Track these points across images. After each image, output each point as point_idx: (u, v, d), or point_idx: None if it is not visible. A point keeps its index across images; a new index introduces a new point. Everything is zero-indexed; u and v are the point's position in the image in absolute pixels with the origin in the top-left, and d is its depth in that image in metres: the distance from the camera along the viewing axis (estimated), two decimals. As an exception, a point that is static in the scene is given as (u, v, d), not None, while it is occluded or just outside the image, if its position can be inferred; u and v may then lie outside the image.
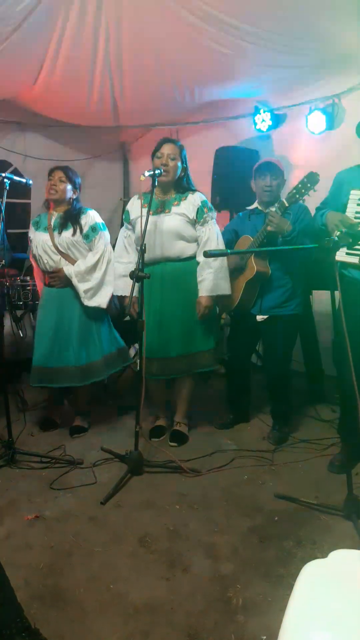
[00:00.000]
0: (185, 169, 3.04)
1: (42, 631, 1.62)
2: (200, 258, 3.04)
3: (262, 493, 2.63)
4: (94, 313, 3.22)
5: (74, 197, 3.18)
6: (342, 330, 2.24)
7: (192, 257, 3.07)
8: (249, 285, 3.08)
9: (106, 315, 3.33)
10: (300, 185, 2.73)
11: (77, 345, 3.17)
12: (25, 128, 4.82)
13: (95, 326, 3.26)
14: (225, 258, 3.06)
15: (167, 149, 2.96)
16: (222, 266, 3.04)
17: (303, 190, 2.73)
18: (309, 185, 2.71)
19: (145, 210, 2.75)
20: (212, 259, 2.96)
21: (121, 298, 3.18)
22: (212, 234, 3.02)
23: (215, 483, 2.72)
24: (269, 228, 2.89)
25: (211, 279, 3.00)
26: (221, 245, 3.06)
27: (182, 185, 3.05)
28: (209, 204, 3.08)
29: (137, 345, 3.35)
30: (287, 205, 2.83)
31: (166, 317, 3.05)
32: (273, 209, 2.90)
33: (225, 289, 3.05)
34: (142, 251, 2.67)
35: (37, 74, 3.88)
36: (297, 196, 2.76)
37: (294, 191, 2.76)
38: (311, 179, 2.71)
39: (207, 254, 2.60)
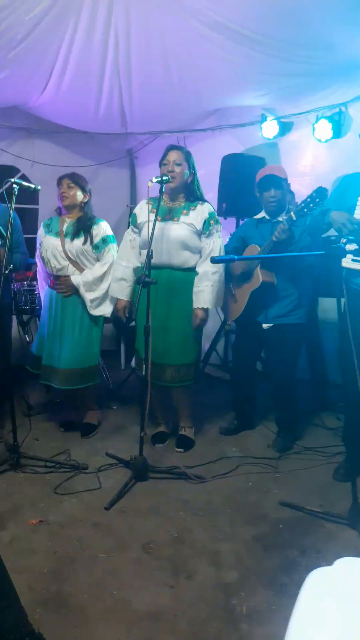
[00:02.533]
0: (193, 175, 3.04)
1: (46, 636, 1.63)
2: (199, 269, 3.05)
3: (266, 501, 2.62)
4: (92, 321, 3.28)
5: (85, 200, 3.23)
6: (348, 338, 2.24)
7: (194, 268, 3.07)
8: (254, 295, 3.08)
9: (100, 327, 3.37)
10: (309, 200, 2.72)
11: (73, 349, 3.22)
12: (33, 134, 4.86)
13: (94, 333, 3.30)
14: (222, 272, 3.07)
15: (172, 156, 2.97)
16: (220, 280, 3.06)
17: (311, 205, 2.72)
18: (317, 200, 2.70)
19: (152, 216, 2.76)
20: (212, 271, 3.00)
21: (116, 301, 3.21)
22: (216, 247, 3.03)
23: (219, 490, 2.72)
24: (274, 239, 2.89)
25: (209, 292, 3.01)
26: None
27: (192, 193, 3.06)
28: (216, 216, 3.08)
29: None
30: (294, 219, 2.83)
31: (169, 324, 3.06)
32: (282, 220, 2.89)
33: (219, 302, 3.10)
34: (149, 257, 2.69)
35: (46, 81, 3.92)
36: (306, 210, 2.75)
37: (302, 205, 2.75)
38: (320, 194, 2.69)
39: (214, 260, 2.61)
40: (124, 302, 3.16)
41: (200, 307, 3.02)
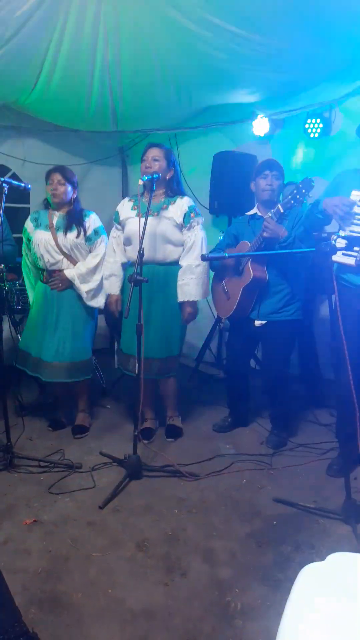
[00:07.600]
0: (173, 172, 3.09)
1: (40, 636, 1.63)
2: (183, 262, 3.09)
3: (260, 497, 2.63)
4: (88, 314, 3.30)
5: (74, 196, 3.24)
6: (340, 334, 2.24)
7: (176, 262, 3.12)
8: (246, 290, 3.08)
9: (95, 320, 3.41)
10: (295, 191, 2.73)
11: (70, 342, 3.22)
12: (23, 133, 4.83)
13: (88, 327, 3.33)
14: (207, 264, 3.11)
15: (151, 152, 3.03)
16: (204, 272, 3.12)
17: (298, 196, 2.73)
18: (303, 191, 2.71)
19: (138, 215, 2.81)
20: (195, 264, 3.05)
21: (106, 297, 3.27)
22: (198, 239, 3.07)
23: (213, 487, 2.72)
24: (264, 234, 2.90)
25: (194, 284, 3.06)
26: (206, 250, 3.13)
27: (172, 189, 3.11)
28: (197, 209, 3.13)
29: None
30: (282, 211, 2.83)
31: (151, 319, 3.09)
32: (268, 216, 2.91)
33: (205, 293, 3.15)
34: (140, 255, 2.69)
35: (35, 79, 3.89)
36: (293, 202, 2.76)
37: (289, 197, 2.77)
38: (306, 185, 2.71)
39: (205, 258, 2.61)
40: (116, 297, 3.23)
41: (187, 299, 3.08)
